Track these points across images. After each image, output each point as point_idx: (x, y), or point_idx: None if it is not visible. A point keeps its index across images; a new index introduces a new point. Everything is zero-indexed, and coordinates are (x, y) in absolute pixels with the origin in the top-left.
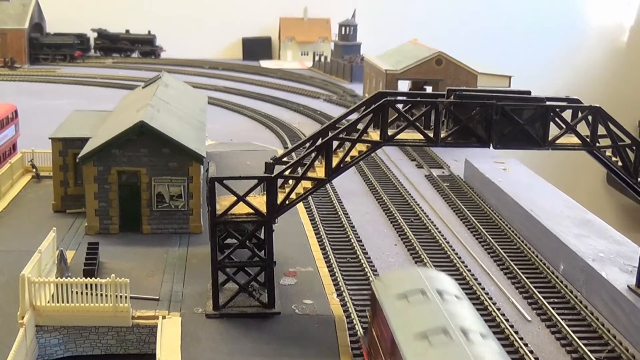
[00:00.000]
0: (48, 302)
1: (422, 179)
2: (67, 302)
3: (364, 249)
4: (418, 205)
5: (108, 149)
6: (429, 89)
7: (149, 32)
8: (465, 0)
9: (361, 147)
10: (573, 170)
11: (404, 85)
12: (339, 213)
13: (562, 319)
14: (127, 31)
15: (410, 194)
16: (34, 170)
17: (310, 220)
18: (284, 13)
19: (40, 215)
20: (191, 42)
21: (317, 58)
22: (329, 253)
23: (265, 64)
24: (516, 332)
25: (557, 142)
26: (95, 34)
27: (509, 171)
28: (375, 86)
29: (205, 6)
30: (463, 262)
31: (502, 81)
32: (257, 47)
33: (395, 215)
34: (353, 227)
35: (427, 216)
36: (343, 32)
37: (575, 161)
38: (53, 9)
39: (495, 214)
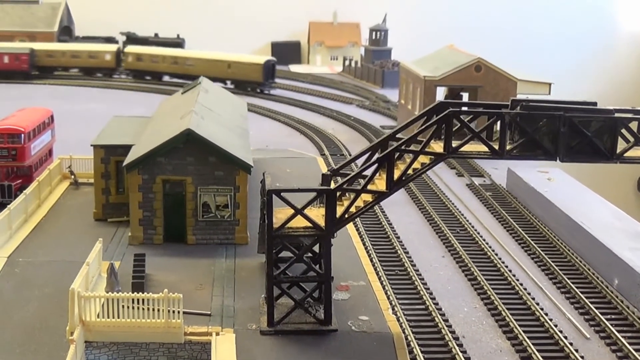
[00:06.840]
0: (97, 317)
1: (464, 188)
2: (117, 317)
3: (412, 262)
4: (462, 215)
5: (153, 157)
6: (465, 96)
7: (178, 35)
8: (496, 5)
9: (424, 159)
10: (604, 177)
11: (439, 92)
12: (383, 223)
13: (622, 337)
14: (156, 35)
15: (453, 204)
16: (73, 176)
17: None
18: (313, 17)
19: (81, 223)
20: (220, 46)
21: (347, 63)
22: (376, 265)
23: (294, 68)
24: (576, 351)
25: (625, 155)
26: (124, 38)
27: (554, 181)
28: (412, 92)
29: (234, 10)
30: (514, 276)
31: (542, 88)
32: (286, 52)
33: (440, 225)
34: (398, 238)
35: (473, 227)
36: (374, 37)
37: (606, 168)
38: (82, 12)
39: (542, 225)
